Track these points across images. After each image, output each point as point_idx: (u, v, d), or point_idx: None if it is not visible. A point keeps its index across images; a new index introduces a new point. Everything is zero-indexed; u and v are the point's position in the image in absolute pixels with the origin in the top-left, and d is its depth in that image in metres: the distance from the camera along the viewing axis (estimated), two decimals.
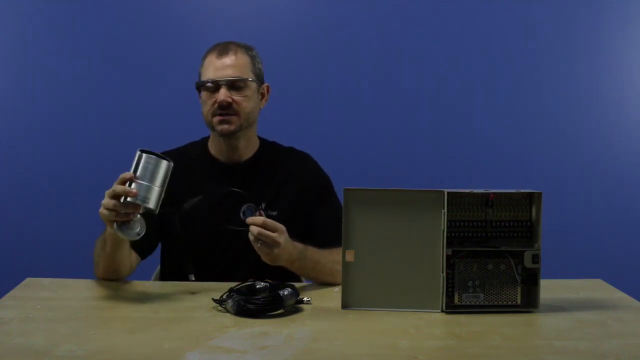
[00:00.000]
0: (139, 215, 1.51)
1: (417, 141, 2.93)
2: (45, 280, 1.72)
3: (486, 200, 1.52)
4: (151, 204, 1.49)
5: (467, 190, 1.52)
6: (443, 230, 1.49)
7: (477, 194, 1.52)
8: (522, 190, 1.52)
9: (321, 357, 1.24)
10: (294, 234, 1.76)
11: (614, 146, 2.95)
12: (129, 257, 1.74)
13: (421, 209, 1.50)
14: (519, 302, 1.51)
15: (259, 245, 1.61)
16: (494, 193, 1.52)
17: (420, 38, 2.90)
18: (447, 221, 1.49)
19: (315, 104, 2.85)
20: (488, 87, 2.92)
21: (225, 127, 1.83)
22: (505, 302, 1.51)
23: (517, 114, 2.93)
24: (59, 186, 2.84)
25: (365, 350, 1.27)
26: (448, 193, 1.49)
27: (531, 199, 1.53)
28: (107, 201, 1.51)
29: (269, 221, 1.62)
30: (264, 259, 1.64)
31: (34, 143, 2.84)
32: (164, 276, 1.92)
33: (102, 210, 1.52)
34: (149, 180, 1.49)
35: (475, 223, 1.52)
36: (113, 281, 1.69)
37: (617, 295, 1.69)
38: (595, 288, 1.77)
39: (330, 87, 2.88)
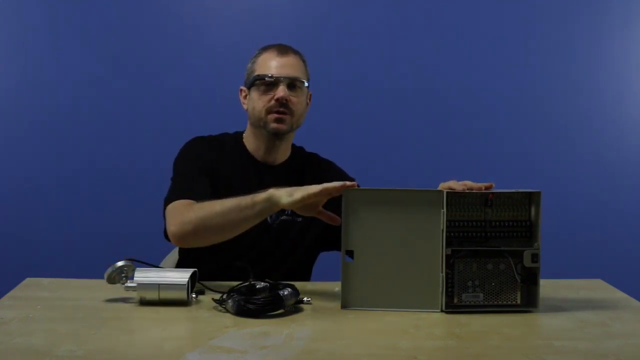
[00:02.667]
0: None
1: (417, 141, 2.93)
2: (45, 280, 1.72)
3: (485, 200, 1.53)
4: None
5: (467, 190, 1.52)
6: (442, 230, 1.49)
7: (477, 193, 1.52)
8: (521, 190, 1.52)
9: (321, 357, 1.24)
10: (314, 238, 1.77)
11: (614, 146, 2.95)
12: None
13: (421, 209, 1.50)
14: (518, 302, 1.51)
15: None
16: (493, 193, 1.52)
17: (420, 37, 2.90)
18: (447, 221, 1.49)
19: (313, 104, 2.85)
20: (488, 87, 2.92)
21: (279, 126, 1.83)
22: (505, 302, 1.51)
23: (517, 113, 2.93)
24: (59, 186, 2.84)
25: (365, 350, 1.27)
26: (447, 193, 1.49)
27: (530, 198, 1.53)
28: None
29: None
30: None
31: (34, 143, 2.84)
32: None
33: None
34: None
35: (474, 223, 1.52)
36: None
37: (617, 295, 1.69)
38: (595, 288, 1.77)
39: (329, 87, 2.88)
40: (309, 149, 2.03)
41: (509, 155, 2.92)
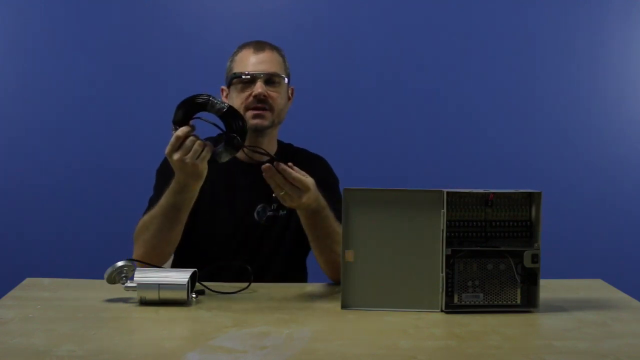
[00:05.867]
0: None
1: (417, 141, 2.93)
2: (45, 280, 1.72)
3: (486, 200, 1.52)
4: None
5: (467, 190, 1.52)
6: (442, 230, 1.49)
7: (477, 193, 1.52)
8: (521, 190, 1.52)
9: (321, 357, 1.24)
10: (297, 229, 1.79)
11: (614, 146, 2.95)
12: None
13: (421, 209, 1.50)
14: (518, 302, 1.51)
15: (283, 193, 1.56)
16: (493, 193, 1.52)
17: (420, 38, 2.90)
18: (447, 221, 1.49)
19: (313, 104, 2.85)
20: (488, 87, 2.92)
21: (258, 121, 1.82)
22: (505, 302, 1.51)
23: (517, 113, 2.94)
24: (59, 186, 2.84)
25: (365, 350, 1.27)
26: (447, 193, 1.49)
27: (531, 198, 1.53)
28: None
29: (296, 168, 1.58)
30: (290, 204, 1.60)
31: (34, 143, 2.84)
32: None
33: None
34: None
35: (474, 223, 1.52)
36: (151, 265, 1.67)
37: (617, 295, 1.69)
38: (595, 288, 1.77)
39: (329, 87, 2.88)
40: (307, 149, 2.02)
41: (509, 155, 2.92)
